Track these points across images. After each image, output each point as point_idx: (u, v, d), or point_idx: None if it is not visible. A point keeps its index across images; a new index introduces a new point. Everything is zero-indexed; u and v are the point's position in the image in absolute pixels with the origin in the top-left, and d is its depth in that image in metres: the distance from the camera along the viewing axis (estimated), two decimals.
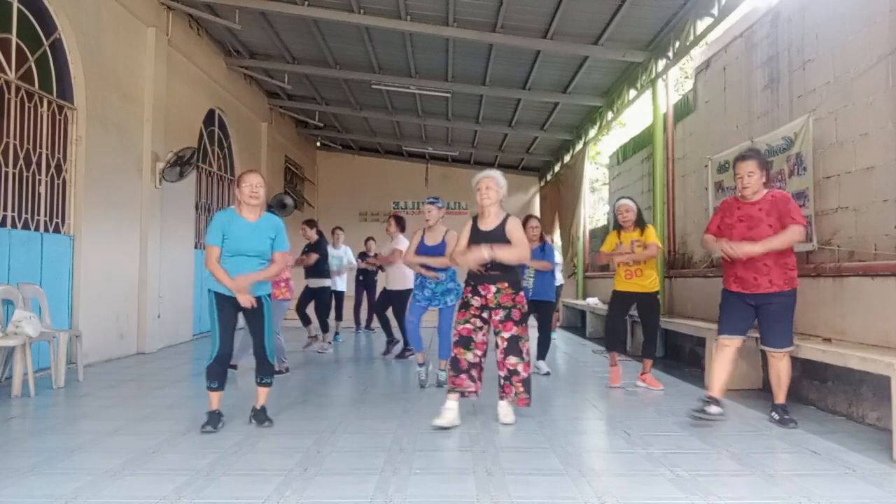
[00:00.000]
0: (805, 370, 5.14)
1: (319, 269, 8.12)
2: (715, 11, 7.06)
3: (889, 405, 3.68)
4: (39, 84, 6.40)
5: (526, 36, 8.64)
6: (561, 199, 14.54)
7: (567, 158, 14.31)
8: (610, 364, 5.87)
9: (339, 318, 9.37)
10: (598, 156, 18.96)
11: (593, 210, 16.68)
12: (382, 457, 3.52)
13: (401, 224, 7.36)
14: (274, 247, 4.21)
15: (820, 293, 5.05)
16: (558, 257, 6.59)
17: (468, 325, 4.33)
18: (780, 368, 4.25)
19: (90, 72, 6.94)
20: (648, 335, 5.72)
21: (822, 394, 4.96)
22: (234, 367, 6.46)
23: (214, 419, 4.09)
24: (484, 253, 4.16)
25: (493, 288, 4.28)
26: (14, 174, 6.05)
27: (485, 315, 4.34)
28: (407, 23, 8.57)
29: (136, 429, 4.13)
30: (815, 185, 5.18)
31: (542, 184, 17.57)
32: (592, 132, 12.39)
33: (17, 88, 6.08)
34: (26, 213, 6.20)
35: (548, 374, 6.33)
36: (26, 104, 6.20)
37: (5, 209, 5.92)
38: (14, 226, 6.02)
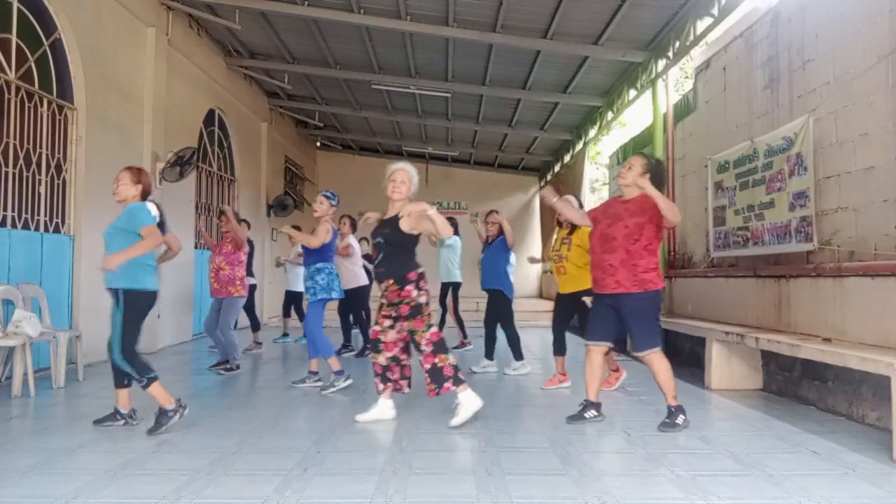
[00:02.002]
0: (805, 370, 5.14)
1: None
2: (715, 11, 7.06)
3: (889, 405, 3.68)
4: (39, 84, 6.40)
5: (526, 36, 8.64)
6: None
7: (567, 158, 14.31)
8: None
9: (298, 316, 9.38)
10: (598, 156, 18.95)
11: None
12: (382, 457, 3.53)
13: (354, 225, 7.57)
14: (129, 228, 4.06)
15: (820, 293, 5.05)
16: (513, 258, 6.56)
17: (376, 327, 4.34)
18: (655, 370, 4.13)
19: (90, 72, 6.94)
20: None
21: (822, 394, 4.96)
22: (237, 367, 6.49)
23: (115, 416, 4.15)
24: (415, 210, 4.14)
25: (382, 286, 4.28)
26: (14, 174, 6.05)
27: (393, 312, 4.31)
28: (407, 23, 8.57)
29: (137, 428, 4.13)
30: (815, 184, 5.18)
31: (542, 184, 17.56)
32: (592, 132, 12.39)
33: (17, 88, 6.08)
34: (26, 213, 6.21)
35: (524, 373, 6.28)
36: (26, 104, 6.20)
37: (5, 209, 5.92)
38: (14, 226, 6.02)
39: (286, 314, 9.27)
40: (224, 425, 4.28)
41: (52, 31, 6.59)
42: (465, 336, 8.51)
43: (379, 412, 4.32)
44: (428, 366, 4.22)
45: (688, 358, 7.26)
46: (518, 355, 6.35)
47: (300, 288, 9.04)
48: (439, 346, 4.23)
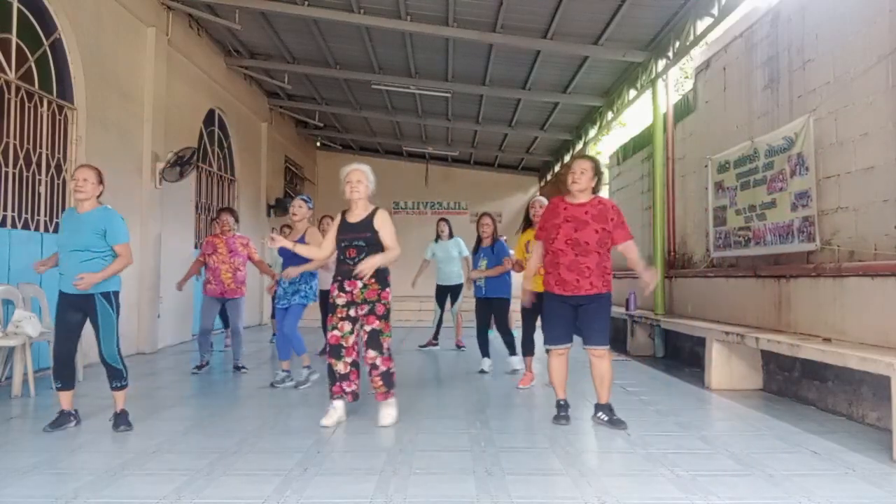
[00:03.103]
0: (805, 370, 5.14)
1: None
2: (715, 11, 7.06)
3: (889, 405, 3.68)
4: (39, 84, 6.40)
5: (526, 36, 8.64)
6: None
7: (567, 158, 14.31)
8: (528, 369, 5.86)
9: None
10: (598, 156, 18.95)
11: None
12: (382, 457, 3.53)
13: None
14: (108, 239, 4.03)
15: (820, 293, 5.05)
16: (511, 252, 6.53)
17: (335, 332, 4.27)
18: (604, 367, 4.24)
19: (90, 72, 6.94)
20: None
21: (822, 394, 4.96)
22: (244, 367, 6.51)
23: (61, 419, 4.12)
24: (365, 270, 4.12)
25: (359, 283, 4.24)
26: (14, 174, 6.05)
27: (352, 312, 4.29)
28: (407, 23, 8.57)
29: (137, 429, 4.13)
30: (816, 184, 5.17)
31: (542, 184, 17.56)
32: (592, 132, 12.39)
33: (17, 88, 6.08)
34: (26, 213, 6.21)
35: (514, 371, 6.33)
36: (26, 104, 6.20)
37: (5, 209, 5.92)
38: (14, 226, 6.02)
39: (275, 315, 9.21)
40: (224, 425, 4.28)
41: (52, 31, 6.59)
42: (435, 336, 8.66)
43: (339, 414, 4.29)
44: (384, 368, 4.26)
45: (688, 358, 7.27)
46: (513, 351, 6.47)
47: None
48: (391, 357, 4.32)
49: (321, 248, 4.55)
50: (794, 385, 5.33)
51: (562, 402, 4.40)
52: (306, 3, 8.50)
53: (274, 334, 9.25)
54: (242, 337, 6.63)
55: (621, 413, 4.34)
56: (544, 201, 5.56)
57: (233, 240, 6.54)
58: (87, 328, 4.16)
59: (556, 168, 15.55)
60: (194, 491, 2.96)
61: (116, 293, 4.11)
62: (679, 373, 6.68)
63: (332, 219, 7.19)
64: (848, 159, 4.91)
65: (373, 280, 4.24)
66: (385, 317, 4.29)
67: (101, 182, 4.17)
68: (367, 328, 4.26)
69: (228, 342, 7.98)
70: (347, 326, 4.27)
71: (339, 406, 4.30)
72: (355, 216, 4.36)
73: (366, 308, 4.26)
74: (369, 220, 4.31)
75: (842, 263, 4.81)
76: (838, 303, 4.83)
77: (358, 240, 4.26)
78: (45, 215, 6.45)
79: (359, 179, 4.34)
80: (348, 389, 4.32)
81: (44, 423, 4.10)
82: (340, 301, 4.28)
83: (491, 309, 6.48)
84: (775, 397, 5.40)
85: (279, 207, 13.65)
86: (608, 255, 4.27)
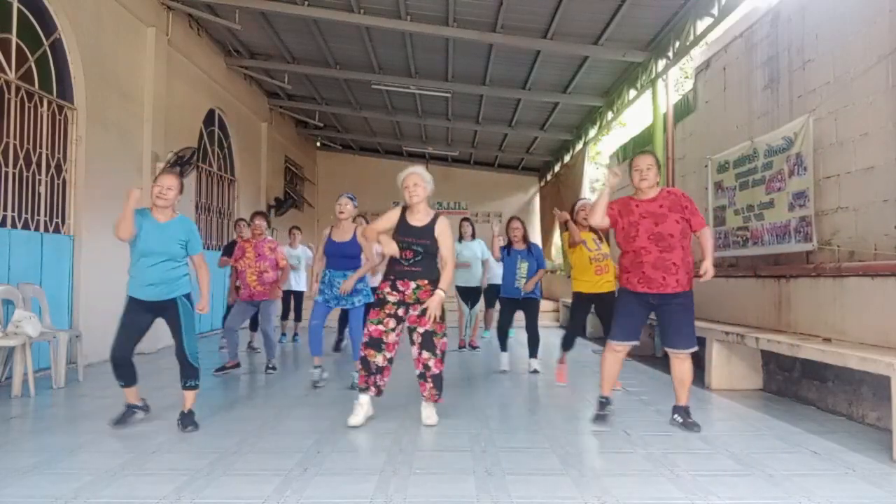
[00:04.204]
0: (805, 370, 5.14)
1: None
2: (715, 11, 7.06)
3: (889, 405, 3.68)
4: (39, 84, 6.40)
5: (526, 36, 8.64)
6: (561, 199, 14.51)
7: (567, 158, 14.31)
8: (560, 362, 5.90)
9: (297, 318, 9.35)
10: (598, 156, 18.94)
11: None
12: (382, 457, 3.53)
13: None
14: (188, 250, 4.19)
15: (820, 293, 5.05)
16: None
17: (380, 327, 4.25)
18: (685, 370, 4.22)
19: (90, 72, 6.94)
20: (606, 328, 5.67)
21: (822, 394, 4.96)
22: (238, 365, 6.51)
23: (128, 413, 4.24)
24: (436, 310, 4.16)
25: (412, 284, 4.23)
26: (14, 174, 6.05)
27: (400, 312, 4.28)
28: (407, 23, 8.57)
29: (137, 429, 4.13)
30: (815, 184, 5.18)
31: (542, 184, 17.56)
32: (592, 132, 12.39)
33: (17, 88, 6.08)
34: (26, 213, 6.21)
35: (535, 371, 6.38)
36: (26, 104, 6.20)
37: (5, 209, 5.92)
38: (14, 226, 6.02)
39: (284, 316, 9.24)
40: (224, 425, 4.29)
41: (52, 31, 6.59)
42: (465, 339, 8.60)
43: (366, 409, 4.30)
44: (436, 371, 4.25)
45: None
46: (535, 353, 6.55)
47: (300, 287, 9.07)
48: (444, 356, 4.31)
49: (389, 247, 4.35)
50: (794, 385, 5.33)
51: (604, 400, 4.36)
52: (306, 3, 8.51)
53: (283, 335, 9.29)
54: (272, 339, 6.55)
55: (622, 413, 4.34)
56: (590, 202, 5.50)
57: (262, 244, 6.52)
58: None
59: (556, 168, 15.54)
60: (194, 491, 2.96)
61: (189, 294, 4.24)
62: None
63: (367, 220, 7.20)
64: (848, 159, 4.91)
65: (425, 281, 4.24)
66: (441, 318, 4.27)
67: (181, 191, 4.22)
68: (421, 330, 4.25)
69: (252, 345, 8.13)
70: (392, 323, 4.27)
71: (364, 401, 4.28)
72: (417, 219, 4.31)
73: (419, 309, 4.24)
74: (431, 226, 4.28)
75: (842, 263, 4.81)
76: (838, 303, 4.83)
77: (417, 244, 4.24)
78: (45, 215, 6.45)
79: (416, 183, 4.28)
80: (379, 383, 4.31)
81: (43, 423, 4.10)
82: (392, 298, 4.26)
83: (519, 308, 6.48)
84: (775, 397, 5.40)
85: (279, 207, 13.66)
86: (690, 248, 4.17)
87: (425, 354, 4.24)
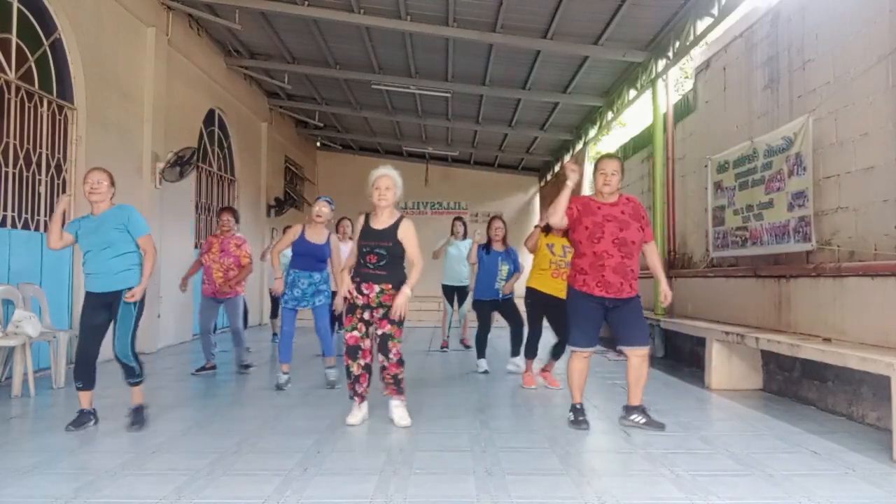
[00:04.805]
0: (805, 370, 5.14)
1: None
2: (715, 11, 7.06)
3: (889, 405, 3.68)
4: (39, 84, 6.40)
5: (526, 36, 8.64)
6: None
7: (567, 158, 14.30)
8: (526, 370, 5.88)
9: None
10: (598, 156, 18.94)
11: None
12: (382, 457, 3.53)
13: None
14: (131, 233, 4.15)
15: (820, 293, 5.05)
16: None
17: (355, 333, 4.28)
18: (643, 368, 4.25)
19: (90, 72, 6.94)
20: (562, 337, 5.63)
21: (822, 394, 4.96)
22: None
23: (82, 418, 4.16)
24: (402, 307, 4.16)
25: (376, 287, 4.23)
26: (14, 174, 6.05)
27: (367, 315, 4.28)
28: (407, 23, 8.57)
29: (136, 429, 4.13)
30: (814, 185, 5.18)
31: (542, 184, 17.56)
32: (592, 132, 12.38)
33: (17, 88, 6.08)
34: (26, 213, 6.20)
35: (511, 372, 6.38)
36: (26, 104, 6.20)
37: (5, 209, 5.92)
38: (14, 226, 6.02)
39: (274, 315, 9.20)
40: (224, 425, 4.28)
41: (52, 31, 6.59)
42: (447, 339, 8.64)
43: (364, 411, 4.37)
44: (393, 372, 4.30)
45: (688, 358, 7.26)
46: (517, 352, 6.48)
47: None
48: (401, 361, 4.33)
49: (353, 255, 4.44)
50: (794, 385, 5.33)
51: (579, 406, 4.33)
52: (306, 3, 8.50)
53: (275, 334, 9.25)
54: (243, 336, 6.56)
55: (621, 413, 4.34)
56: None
57: (228, 240, 6.48)
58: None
59: (556, 168, 15.55)
60: (194, 491, 2.96)
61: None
62: (679, 373, 6.67)
63: (352, 222, 7.23)
64: (848, 159, 4.91)
65: (389, 286, 4.23)
66: (399, 323, 4.26)
67: (112, 184, 4.21)
68: (379, 332, 4.27)
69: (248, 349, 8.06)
70: (364, 328, 4.29)
71: (360, 405, 4.37)
72: (380, 222, 4.28)
73: (380, 312, 4.24)
74: (394, 228, 4.24)
75: (842, 263, 4.81)
76: (838, 303, 4.83)
77: (380, 247, 4.22)
78: (45, 215, 6.44)
79: (388, 186, 4.24)
80: (359, 390, 4.35)
81: (43, 423, 4.10)
82: (359, 302, 4.27)
83: (497, 309, 6.49)
84: (775, 397, 5.40)
85: (279, 207, 13.65)
86: (639, 259, 4.26)
87: (380, 357, 4.29)
